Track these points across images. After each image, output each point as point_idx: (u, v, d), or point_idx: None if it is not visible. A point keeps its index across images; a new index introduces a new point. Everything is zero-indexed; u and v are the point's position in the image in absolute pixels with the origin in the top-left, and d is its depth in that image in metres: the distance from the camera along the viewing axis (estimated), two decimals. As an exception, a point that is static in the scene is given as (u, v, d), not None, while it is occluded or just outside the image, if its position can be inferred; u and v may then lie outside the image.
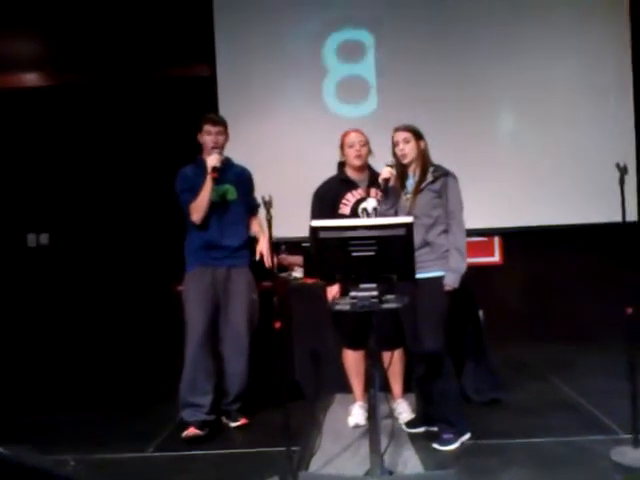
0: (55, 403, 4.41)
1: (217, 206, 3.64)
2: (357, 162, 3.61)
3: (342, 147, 3.65)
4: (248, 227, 3.82)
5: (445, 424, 3.24)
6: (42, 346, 5.51)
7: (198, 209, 3.57)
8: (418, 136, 3.31)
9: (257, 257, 3.72)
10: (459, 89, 5.41)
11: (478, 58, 5.42)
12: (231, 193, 3.71)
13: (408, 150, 3.29)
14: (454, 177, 3.29)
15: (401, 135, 3.31)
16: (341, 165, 3.72)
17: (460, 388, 3.57)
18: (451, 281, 3.18)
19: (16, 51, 5.69)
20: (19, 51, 5.71)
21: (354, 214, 3.59)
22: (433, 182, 3.26)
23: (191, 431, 3.51)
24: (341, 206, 3.62)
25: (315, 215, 3.56)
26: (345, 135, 3.65)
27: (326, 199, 3.65)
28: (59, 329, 5.61)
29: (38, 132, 5.80)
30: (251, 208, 3.86)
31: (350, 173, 3.67)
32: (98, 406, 4.30)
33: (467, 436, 3.27)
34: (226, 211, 3.67)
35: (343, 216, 3.56)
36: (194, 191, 3.59)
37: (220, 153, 3.64)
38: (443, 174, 3.27)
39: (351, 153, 3.60)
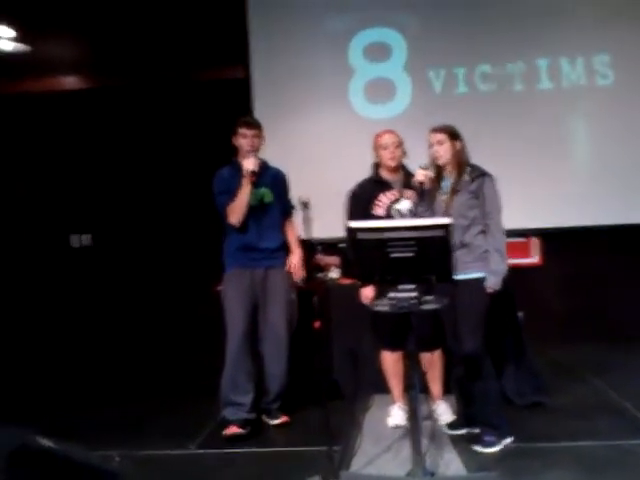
0: (101, 400, 4.51)
1: (255, 209, 3.67)
2: (391, 163, 3.60)
3: (376, 148, 3.65)
4: (284, 229, 3.84)
5: (487, 426, 3.21)
6: (87, 344, 5.62)
7: (236, 211, 3.60)
8: (453, 136, 3.28)
9: (287, 269, 3.75)
10: (491, 88, 5.37)
11: (513, 55, 5.35)
12: (268, 196, 3.73)
13: (442, 152, 3.27)
14: (491, 178, 3.25)
15: (435, 137, 3.29)
16: (375, 166, 3.71)
17: (501, 390, 3.54)
18: (492, 283, 3.15)
19: (55, 55, 5.81)
20: (58, 55, 5.82)
21: (388, 215, 3.59)
22: (470, 183, 3.23)
23: (233, 430, 3.56)
24: (375, 207, 3.62)
25: (350, 216, 3.58)
26: (379, 136, 3.65)
27: (360, 200, 3.65)
28: (102, 328, 5.73)
29: (79, 134, 5.92)
30: (286, 210, 3.88)
31: (384, 174, 3.66)
32: (141, 403, 4.38)
33: (510, 439, 3.23)
34: (263, 214, 3.70)
35: (377, 217, 3.56)
36: (230, 193, 3.62)
37: (256, 156, 3.66)
38: (480, 175, 3.24)
39: (385, 155, 3.59)
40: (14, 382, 5.01)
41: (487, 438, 3.19)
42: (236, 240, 3.69)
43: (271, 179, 3.78)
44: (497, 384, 3.36)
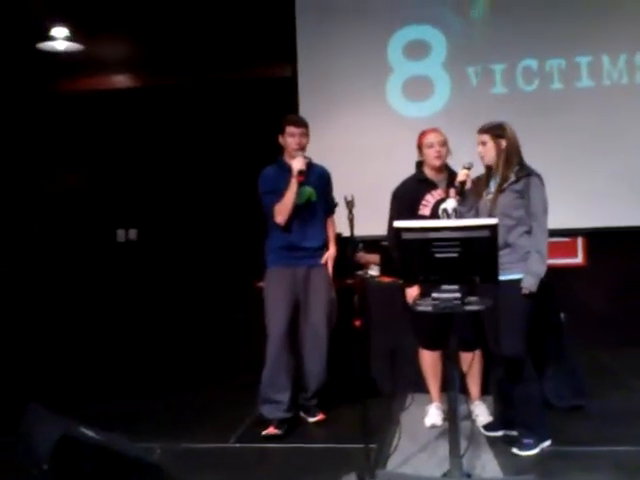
0: (143, 392, 4.62)
1: (300, 208, 3.67)
2: (437, 162, 3.58)
3: (420, 147, 3.63)
4: (326, 227, 3.86)
5: (525, 429, 3.18)
6: (131, 336, 5.76)
7: (283, 211, 3.62)
8: (498, 136, 3.23)
9: (322, 261, 3.77)
10: (533, 85, 5.32)
11: (559, 51, 5.28)
12: (313, 195, 3.74)
13: (485, 152, 3.25)
14: (539, 177, 3.21)
15: (478, 138, 3.27)
16: (419, 165, 3.69)
17: (541, 393, 3.50)
18: (529, 284, 3.11)
19: (106, 53, 5.93)
20: (109, 53, 5.94)
21: (434, 215, 3.56)
22: (516, 182, 3.19)
23: (270, 430, 3.57)
24: (421, 207, 3.60)
25: (394, 216, 3.54)
26: (423, 135, 3.62)
27: (405, 200, 3.63)
28: (147, 321, 5.85)
29: (127, 132, 6.06)
30: (330, 208, 3.89)
31: (429, 173, 3.65)
32: (183, 397, 4.47)
33: (548, 442, 3.20)
34: (308, 213, 3.71)
35: (423, 217, 3.55)
36: (277, 193, 3.63)
37: (304, 155, 3.67)
38: (526, 174, 3.20)
39: (430, 153, 3.57)
40: (63, 371, 5.17)
41: (526, 441, 3.16)
42: (280, 239, 3.70)
43: (316, 177, 3.78)
44: (538, 387, 3.32)
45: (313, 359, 3.73)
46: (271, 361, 3.63)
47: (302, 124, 3.72)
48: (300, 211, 3.67)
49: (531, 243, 3.17)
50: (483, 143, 3.26)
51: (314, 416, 3.79)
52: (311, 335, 3.72)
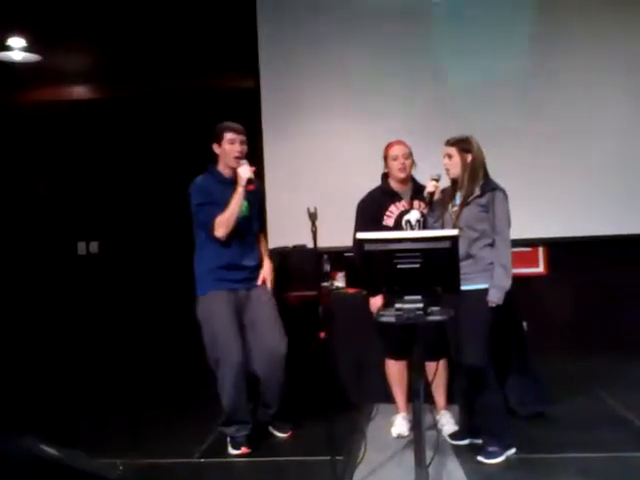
0: (104, 408, 4.52)
1: (238, 223, 3.44)
2: (401, 175, 3.61)
3: (385, 159, 3.66)
4: (259, 243, 3.71)
5: (490, 437, 3.21)
6: (91, 351, 5.65)
7: (226, 224, 3.38)
8: (464, 150, 3.27)
9: (259, 282, 3.59)
10: (493, 91, 5.34)
11: (531, 53, 5.32)
12: (247, 210, 3.53)
13: (450, 166, 3.29)
14: (503, 192, 3.25)
15: (445, 150, 3.31)
16: (384, 176, 3.72)
17: (504, 401, 3.54)
18: (495, 297, 3.16)
19: (65, 64, 5.86)
20: (68, 64, 5.88)
21: (398, 226, 3.60)
22: (481, 196, 3.23)
23: (244, 450, 3.46)
24: (385, 218, 3.63)
25: (359, 227, 3.58)
26: (389, 147, 3.66)
27: (369, 211, 3.66)
28: (107, 335, 5.76)
29: (88, 144, 5.98)
30: (261, 223, 3.78)
31: (394, 185, 3.67)
32: (145, 412, 4.39)
33: (513, 450, 3.23)
34: (245, 228, 3.51)
35: (387, 228, 3.58)
36: (215, 204, 3.40)
37: (248, 163, 3.47)
38: (491, 189, 3.24)
39: (395, 166, 3.60)
40: (17, 389, 5.02)
41: (491, 449, 3.19)
42: (216, 257, 3.46)
43: (250, 191, 3.50)
44: (501, 395, 3.36)
45: (271, 380, 3.54)
46: (229, 395, 3.43)
47: (242, 131, 3.53)
48: (238, 226, 3.45)
49: (494, 256, 3.21)
50: (449, 156, 3.29)
51: (284, 433, 3.72)
52: (266, 358, 3.49)
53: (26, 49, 5.15)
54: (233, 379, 3.41)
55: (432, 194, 3.27)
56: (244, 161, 3.47)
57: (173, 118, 5.85)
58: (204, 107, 5.79)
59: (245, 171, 3.41)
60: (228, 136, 3.49)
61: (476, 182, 3.25)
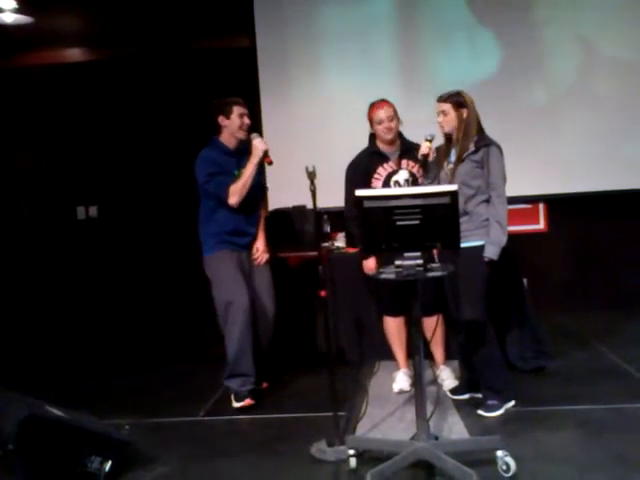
0: (109, 370, 4.58)
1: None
2: (388, 136, 3.58)
3: (371, 121, 3.62)
4: (259, 210, 3.86)
5: (489, 391, 3.25)
6: (93, 315, 5.70)
7: (240, 192, 3.54)
8: (459, 105, 3.22)
9: (254, 253, 3.75)
10: (498, 51, 5.30)
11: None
12: (254, 178, 3.65)
13: (445, 122, 3.25)
14: (498, 147, 3.22)
15: (439, 107, 3.26)
16: (372, 137, 3.69)
17: (504, 356, 3.57)
18: (490, 253, 3.15)
19: (58, 27, 5.75)
20: (61, 27, 5.77)
21: (386, 187, 3.57)
22: (475, 152, 3.20)
23: (247, 402, 3.55)
24: (373, 180, 3.62)
25: (348, 192, 3.60)
26: (372, 110, 3.60)
27: (358, 173, 3.65)
28: (108, 298, 5.79)
29: (85, 107, 5.91)
30: (263, 190, 3.93)
31: (381, 146, 3.65)
32: (149, 373, 4.45)
33: (512, 403, 3.28)
34: (250, 195, 3.63)
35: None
36: (227, 174, 3.57)
37: (259, 135, 3.63)
38: (485, 144, 3.20)
39: (380, 129, 3.57)
40: (22, 353, 5.10)
41: (490, 402, 3.24)
42: (226, 223, 3.64)
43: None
44: (499, 349, 3.38)
45: (264, 338, 3.76)
46: (238, 339, 3.55)
47: (246, 104, 3.69)
48: (246, 194, 3.61)
49: (490, 212, 3.20)
50: (444, 112, 3.24)
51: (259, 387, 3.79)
52: (260, 317, 3.72)
53: (17, 10, 5.03)
54: (241, 324, 3.54)
55: (426, 156, 3.21)
56: (256, 134, 3.59)
57: (170, 79, 5.77)
58: (201, 67, 5.71)
59: (261, 144, 3.52)
60: (239, 110, 3.63)
61: (470, 138, 3.21)
